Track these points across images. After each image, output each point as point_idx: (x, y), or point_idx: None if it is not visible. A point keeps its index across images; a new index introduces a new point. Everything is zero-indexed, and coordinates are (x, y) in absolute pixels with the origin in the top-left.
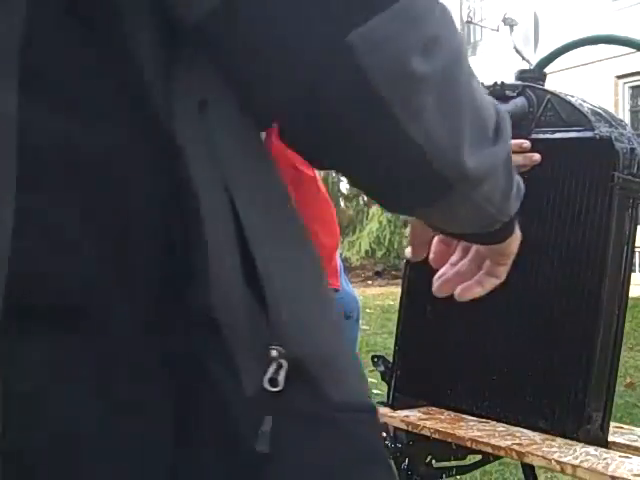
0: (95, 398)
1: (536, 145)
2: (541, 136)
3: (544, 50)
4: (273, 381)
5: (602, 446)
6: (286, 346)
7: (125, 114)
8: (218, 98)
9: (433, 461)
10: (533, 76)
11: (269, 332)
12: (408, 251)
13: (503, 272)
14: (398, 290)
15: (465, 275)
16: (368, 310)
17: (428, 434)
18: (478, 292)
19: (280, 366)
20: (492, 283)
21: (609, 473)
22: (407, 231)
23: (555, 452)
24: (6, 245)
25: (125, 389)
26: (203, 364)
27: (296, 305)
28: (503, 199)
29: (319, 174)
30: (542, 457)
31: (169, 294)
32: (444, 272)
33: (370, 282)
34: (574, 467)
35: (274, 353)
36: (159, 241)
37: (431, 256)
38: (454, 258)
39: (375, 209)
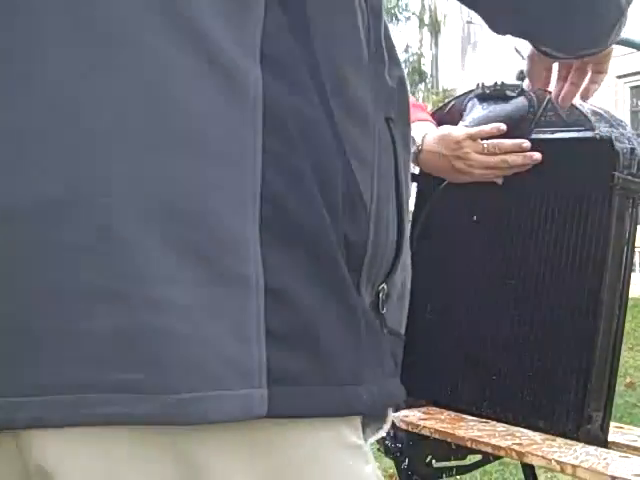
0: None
1: (536, 145)
2: (541, 136)
3: None
4: (378, 305)
5: (602, 446)
6: (389, 283)
7: (325, 96)
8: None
9: (433, 461)
10: None
11: (388, 271)
12: (527, 83)
13: (606, 67)
14: None
15: (578, 83)
16: None
17: (428, 434)
18: (596, 88)
19: (384, 297)
20: (602, 78)
21: (609, 473)
22: None
23: (555, 452)
24: (258, 175)
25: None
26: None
27: (405, 256)
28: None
29: None
30: (542, 457)
31: (341, 232)
32: (560, 89)
33: None
34: (574, 467)
35: (385, 287)
36: (339, 192)
37: (543, 81)
38: (561, 75)
39: None
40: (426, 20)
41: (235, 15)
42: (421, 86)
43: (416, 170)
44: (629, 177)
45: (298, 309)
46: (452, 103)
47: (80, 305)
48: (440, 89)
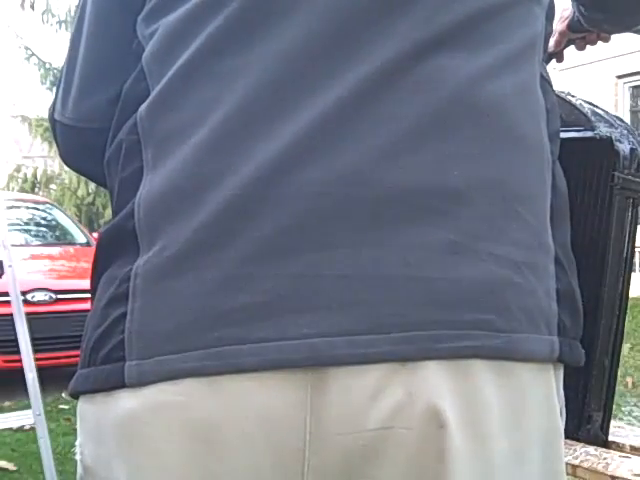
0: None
1: None
2: None
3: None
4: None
5: (602, 446)
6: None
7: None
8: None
9: None
10: None
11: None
12: (551, 44)
13: None
14: None
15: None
16: None
17: None
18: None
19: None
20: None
21: (609, 473)
22: None
23: None
24: (550, 178)
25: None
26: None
27: None
28: None
29: None
30: None
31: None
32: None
33: None
34: (574, 467)
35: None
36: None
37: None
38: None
39: None
40: None
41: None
42: None
43: None
44: (629, 177)
45: (567, 275)
46: None
47: (438, 257)
48: None
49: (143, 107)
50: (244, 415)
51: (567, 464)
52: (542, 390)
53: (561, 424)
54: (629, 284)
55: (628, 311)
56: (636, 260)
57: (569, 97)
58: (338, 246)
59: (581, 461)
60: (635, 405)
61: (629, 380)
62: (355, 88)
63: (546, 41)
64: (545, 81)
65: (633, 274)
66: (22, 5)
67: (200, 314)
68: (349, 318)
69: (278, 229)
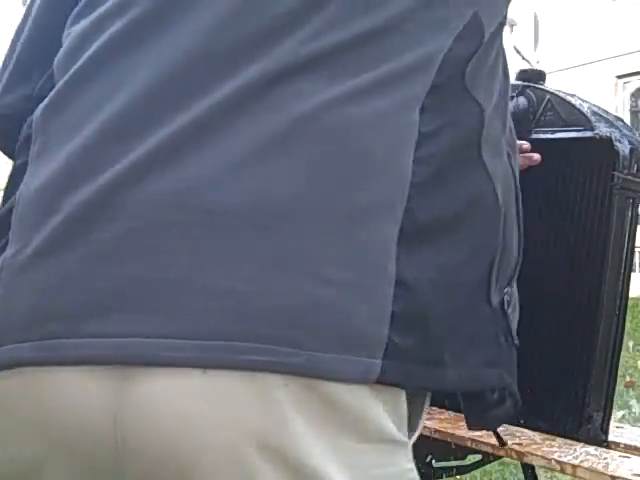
0: None
1: (536, 145)
2: (541, 136)
3: (544, 50)
4: (503, 305)
5: (602, 446)
6: (512, 289)
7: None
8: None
9: (433, 461)
10: (533, 76)
11: (512, 275)
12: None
13: None
14: None
15: None
16: None
17: (428, 434)
18: None
19: (508, 299)
20: None
21: (609, 473)
22: None
23: (555, 452)
24: (406, 192)
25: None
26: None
27: None
28: None
29: None
30: (542, 457)
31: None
32: None
33: None
34: (574, 467)
35: (509, 291)
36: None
37: None
38: None
39: None
40: None
41: None
42: None
43: None
44: (629, 177)
45: (416, 299)
46: None
47: (256, 271)
48: None
49: (40, 106)
50: (61, 408)
51: (567, 464)
52: (358, 411)
53: (398, 446)
54: (629, 284)
55: (628, 311)
56: (636, 260)
57: (569, 97)
58: (168, 253)
59: (581, 461)
60: (635, 405)
61: (629, 380)
62: (215, 105)
63: (460, 60)
64: (442, 99)
65: (633, 274)
66: (24, 3)
67: (41, 308)
68: (165, 322)
69: (117, 234)
